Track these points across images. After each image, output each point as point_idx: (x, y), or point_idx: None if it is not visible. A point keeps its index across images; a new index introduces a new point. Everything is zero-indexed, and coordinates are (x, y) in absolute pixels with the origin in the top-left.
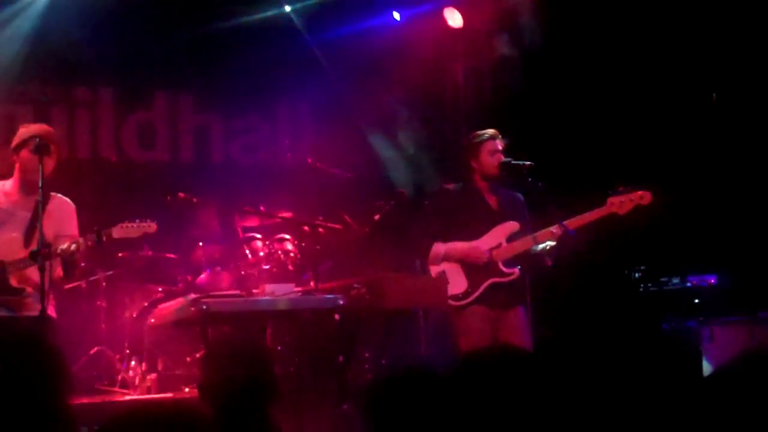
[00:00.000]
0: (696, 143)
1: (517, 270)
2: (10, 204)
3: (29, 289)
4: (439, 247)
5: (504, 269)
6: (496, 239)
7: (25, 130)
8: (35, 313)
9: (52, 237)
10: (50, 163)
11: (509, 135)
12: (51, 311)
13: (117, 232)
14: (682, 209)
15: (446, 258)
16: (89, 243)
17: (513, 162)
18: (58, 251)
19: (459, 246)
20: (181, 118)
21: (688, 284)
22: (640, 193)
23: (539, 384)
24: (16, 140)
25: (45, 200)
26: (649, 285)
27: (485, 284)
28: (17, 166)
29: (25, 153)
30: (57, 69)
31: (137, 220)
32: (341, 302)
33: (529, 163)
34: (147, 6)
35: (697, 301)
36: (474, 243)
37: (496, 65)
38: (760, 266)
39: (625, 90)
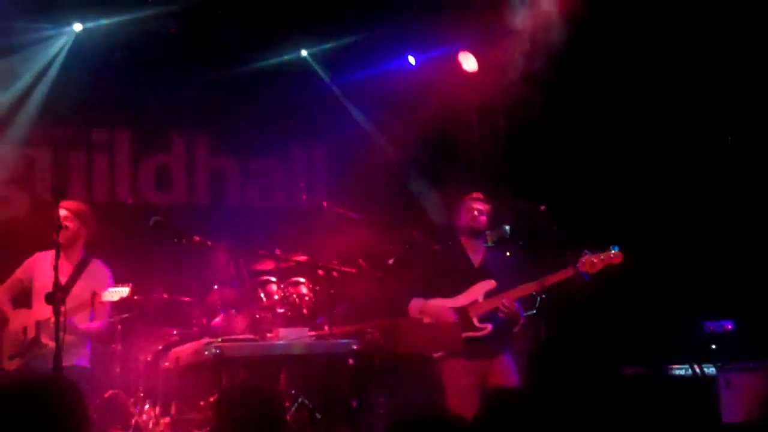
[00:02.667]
0: (713, 190)
1: (489, 326)
2: (53, 271)
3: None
4: (417, 303)
5: (477, 324)
6: (473, 296)
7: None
8: (69, 363)
9: (89, 296)
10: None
11: (522, 176)
12: (85, 361)
13: (105, 297)
14: (699, 255)
15: (422, 313)
16: (84, 308)
17: (528, 203)
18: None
19: (432, 306)
20: (198, 161)
21: (706, 330)
22: (611, 253)
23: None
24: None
25: (86, 263)
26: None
27: None
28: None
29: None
30: (75, 113)
31: (119, 286)
32: (355, 347)
33: (542, 206)
34: (165, 50)
35: (714, 347)
36: (448, 301)
37: (510, 109)
38: None
39: (638, 129)
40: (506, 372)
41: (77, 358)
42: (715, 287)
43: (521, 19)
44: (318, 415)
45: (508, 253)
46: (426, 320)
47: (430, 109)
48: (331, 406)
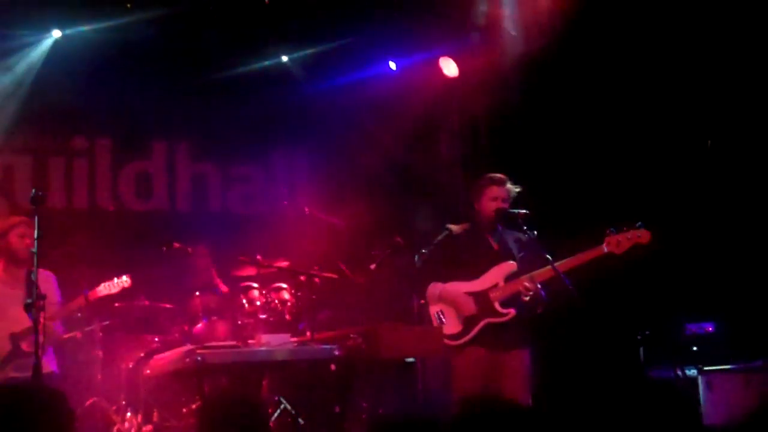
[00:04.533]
0: (695, 190)
1: (512, 310)
2: (2, 285)
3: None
4: (435, 287)
5: (499, 309)
6: (493, 279)
7: (5, 222)
8: (47, 370)
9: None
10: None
11: (509, 180)
12: (53, 366)
13: (101, 291)
14: (680, 257)
15: (441, 299)
16: (80, 303)
17: (508, 210)
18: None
19: (452, 289)
20: (179, 168)
21: (687, 332)
22: (638, 231)
23: None
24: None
25: (29, 275)
26: (647, 332)
27: (480, 325)
28: (3, 253)
29: (12, 238)
30: (55, 119)
31: (115, 278)
32: (337, 352)
33: (524, 211)
34: (144, 56)
35: (695, 348)
36: (468, 285)
37: (491, 113)
38: (756, 314)
39: (620, 134)
40: (516, 372)
41: (52, 363)
42: (696, 289)
43: (501, 23)
44: (301, 421)
45: (528, 235)
46: (444, 306)
47: (412, 114)
48: (314, 412)
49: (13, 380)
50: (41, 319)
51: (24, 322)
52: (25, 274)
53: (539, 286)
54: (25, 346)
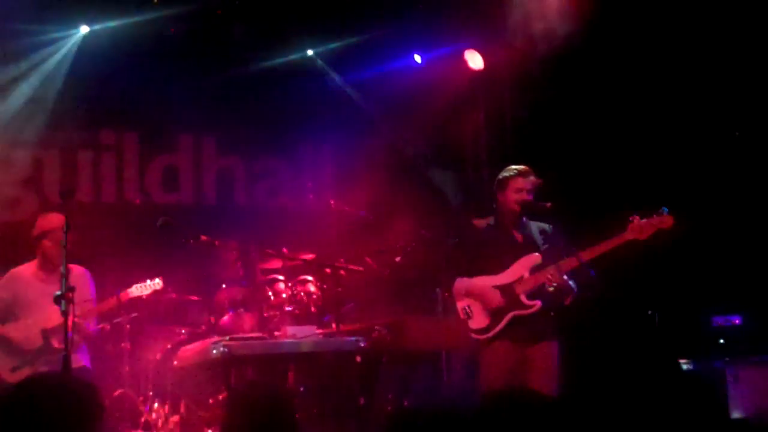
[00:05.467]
0: (723, 183)
1: (539, 302)
2: (39, 282)
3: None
4: (461, 282)
5: (526, 301)
6: (518, 272)
7: (44, 222)
8: (78, 365)
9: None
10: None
11: (533, 171)
12: (86, 361)
13: (133, 292)
14: (708, 249)
15: (468, 294)
16: (111, 305)
17: (533, 202)
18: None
19: (478, 283)
20: (205, 161)
21: (713, 324)
22: (661, 217)
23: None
24: (37, 230)
25: (66, 272)
26: (674, 323)
27: (507, 318)
28: (39, 252)
29: (49, 242)
30: (83, 114)
31: (147, 280)
32: (363, 344)
33: (549, 204)
34: (171, 51)
35: (722, 341)
36: (494, 278)
37: (516, 105)
38: None
39: (646, 126)
40: (544, 364)
41: (84, 359)
42: (722, 282)
43: (526, 15)
44: (326, 412)
45: (553, 226)
46: (471, 301)
47: (437, 106)
48: (339, 404)
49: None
50: (72, 316)
51: (56, 318)
52: (58, 276)
53: (566, 276)
54: (55, 342)
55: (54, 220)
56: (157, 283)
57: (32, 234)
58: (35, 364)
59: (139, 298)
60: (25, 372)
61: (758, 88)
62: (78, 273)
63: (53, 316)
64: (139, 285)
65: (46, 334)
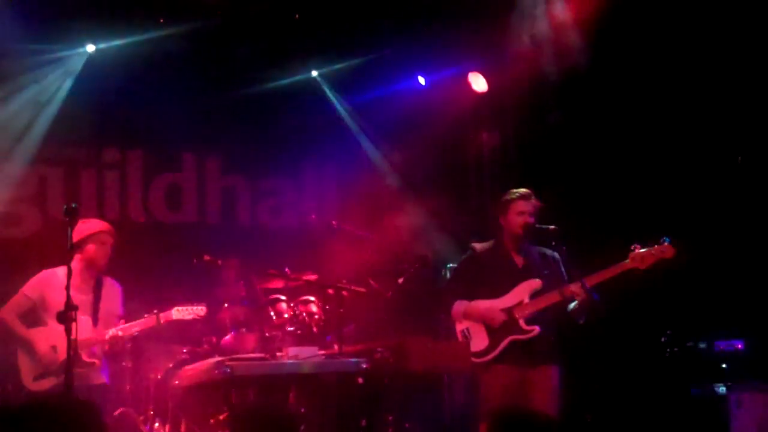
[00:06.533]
0: (725, 208)
1: (537, 328)
2: (74, 289)
3: (97, 362)
4: (460, 305)
5: (524, 327)
6: (518, 297)
7: (87, 226)
8: (100, 381)
9: (105, 315)
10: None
11: (535, 195)
12: (106, 377)
13: (174, 315)
14: (710, 274)
15: (466, 316)
16: (150, 324)
17: (537, 226)
18: (108, 336)
19: (478, 305)
20: (209, 180)
21: (716, 349)
22: (662, 247)
23: None
24: (79, 235)
25: (99, 283)
26: (676, 349)
27: (505, 342)
28: (79, 257)
29: (94, 244)
30: (87, 132)
31: (189, 304)
32: (365, 366)
33: (553, 227)
34: (176, 70)
35: (724, 366)
36: (492, 302)
37: (519, 128)
38: None
39: (651, 150)
40: (547, 385)
41: (105, 375)
42: (725, 306)
43: (531, 39)
44: None
45: (555, 251)
46: (469, 323)
47: (441, 129)
48: (341, 425)
49: (61, 388)
50: (106, 334)
51: (86, 329)
52: (95, 283)
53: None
54: (84, 355)
55: (98, 223)
56: (199, 309)
57: (73, 240)
58: (60, 375)
59: (180, 321)
60: (47, 382)
61: (760, 116)
62: (112, 286)
63: (84, 327)
64: (180, 308)
65: (74, 345)
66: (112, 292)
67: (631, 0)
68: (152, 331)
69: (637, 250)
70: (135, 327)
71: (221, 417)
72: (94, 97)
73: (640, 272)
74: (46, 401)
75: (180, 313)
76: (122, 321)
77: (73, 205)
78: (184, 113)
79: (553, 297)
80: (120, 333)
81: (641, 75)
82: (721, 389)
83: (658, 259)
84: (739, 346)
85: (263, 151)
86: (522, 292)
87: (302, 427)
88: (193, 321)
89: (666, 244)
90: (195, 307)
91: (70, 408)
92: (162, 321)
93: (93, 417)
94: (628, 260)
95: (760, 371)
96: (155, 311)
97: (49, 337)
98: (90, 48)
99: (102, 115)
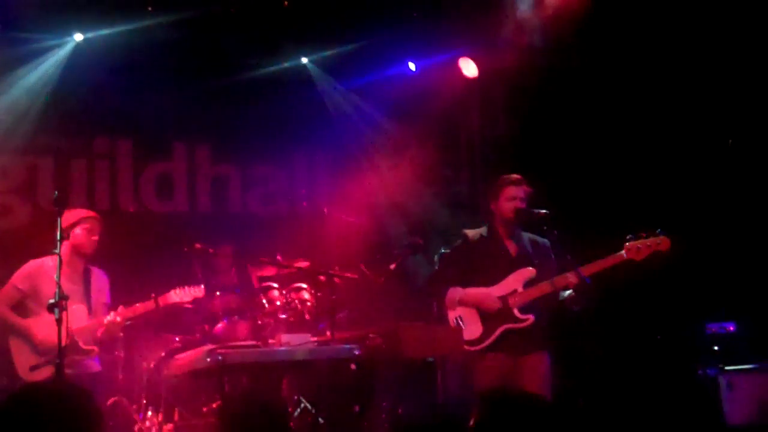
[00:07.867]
0: (715, 191)
1: (531, 317)
2: (65, 278)
3: (96, 349)
4: (454, 292)
5: (519, 315)
6: (512, 285)
7: (73, 213)
8: (96, 369)
9: (96, 304)
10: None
11: (526, 181)
12: (99, 365)
13: (172, 297)
14: (701, 256)
15: (461, 303)
16: (148, 308)
17: (528, 210)
18: (107, 321)
19: (473, 292)
20: (199, 169)
21: (708, 332)
22: (657, 239)
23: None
24: (66, 222)
25: (88, 272)
26: (668, 332)
27: (499, 330)
28: (67, 243)
29: (80, 231)
30: (76, 121)
31: (187, 286)
32: (357, 352)
33: (544, 211)
34: (165, 59)
35: (716, 348)
36: (488, 289)
37: (510, 113)
38: None
39: (641, 137)
40: (536, 374)
41: (100, 363)
42: (717, 289)
43: (521, 24)
44: (321, 420)
45: (547, 237)
46: (463, 311)
47: (431, 114)
48: (334, 411)
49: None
50: (104, 320)
51: (82, 317)
52: (83, 272)
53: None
54: (82, 342)
55: (83, 210)
56: (198, 290)
57: (61, 227)
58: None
59: (179, 304)
60: (44, 372)
61: (748, 100)
62: (100, 275)
63: (80, 316)
64: (178, 290)
65: (71, 334)
66: (101, 281)
67: None
68: (151, 315)
69: (632, 242)
70: (134, 311)
71: (214, 405)
72: (83, 86)
73: (634, 263)
74: (43, 388)
75: (178, 295)
76: (110, 310)
77: (62, 195)
78: (174, 102)
79: (546, 287)
80: (118, 319)
81: (632, 58)
82: (713, 372)
83: (654, 251)
84: (731, 328)
85: (254, 139)
86: (516, 281)
87: (295, 414)
88: (186, 309)
89: (661, 235)
90: (193, 289)
91: (67, 395)
92: (161, 304)
93: (90, 404)
94: (623, 251)
95: (752, 353)
96: (153, 295)
97: (45, 327)
98: (78, 37)
99: (91, 105)
